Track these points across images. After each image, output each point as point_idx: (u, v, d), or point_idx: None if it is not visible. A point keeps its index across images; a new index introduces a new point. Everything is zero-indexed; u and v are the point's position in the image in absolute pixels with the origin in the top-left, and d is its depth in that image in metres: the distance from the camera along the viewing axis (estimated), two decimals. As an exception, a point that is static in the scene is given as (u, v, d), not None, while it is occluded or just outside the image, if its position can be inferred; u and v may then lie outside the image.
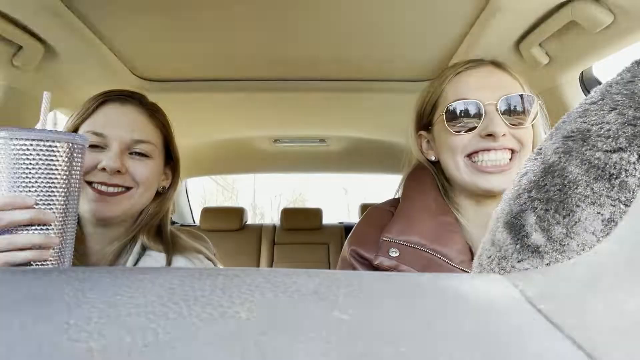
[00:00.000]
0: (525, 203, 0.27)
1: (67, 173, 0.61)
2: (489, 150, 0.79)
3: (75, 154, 0.62)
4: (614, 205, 0.24)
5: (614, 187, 0.24)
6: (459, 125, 0.82)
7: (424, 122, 0.92)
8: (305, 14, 1.09)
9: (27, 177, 0.58)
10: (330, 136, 2.33)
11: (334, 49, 1.30)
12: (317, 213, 3.04)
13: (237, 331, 0.16)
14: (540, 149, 0.29)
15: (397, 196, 0.94)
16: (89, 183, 0.82)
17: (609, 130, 0.25)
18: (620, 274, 0.17)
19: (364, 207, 2.91)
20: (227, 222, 2.95)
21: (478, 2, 1.02)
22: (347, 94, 1.62)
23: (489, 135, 0.79)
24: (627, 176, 0.24)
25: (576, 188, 0.25)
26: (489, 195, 0.83)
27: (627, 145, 0.24)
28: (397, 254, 0.79)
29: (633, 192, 0.23)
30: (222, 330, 0.16)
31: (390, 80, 1.54)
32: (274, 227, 3.07)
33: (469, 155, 0.81)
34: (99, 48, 1.20)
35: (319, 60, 1.39)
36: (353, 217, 3.28)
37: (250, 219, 3.25)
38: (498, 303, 0.19)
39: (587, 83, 1.22)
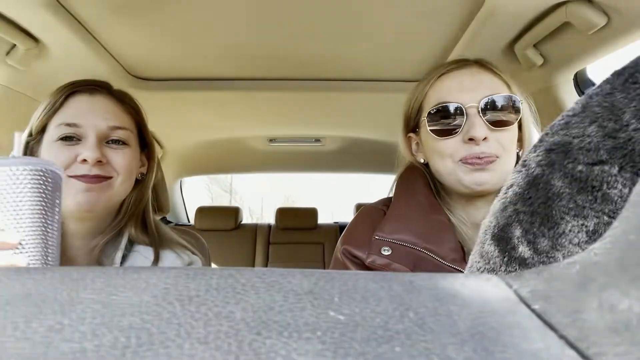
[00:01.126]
0: (511, 216, 0.27)
1: (39, 197, 0.59)
2: (473, 158, 0.78)
3: (48, 180, 0.60)
4: (597, 217, 0.24)
5: (596, 199, 0.24)
6: (441, 130, 0.82)
7: (412, 125, 0.92)
8: (300, 13, 1.09)
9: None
10: (326, 136, 2.33)
11: (329, 48, 1.30)
12: (312, 212, 3.04)
13: (232, 331, 0.16)
14: (525, 161, 0.29)
15: (390, 195, 0.94)
16: (71, 177, 0.81)
17: (590, 143, 0.25)
18: (614, 274, 0.17)
19: (359, 207, 2.91)
20: (222, 222, 2.94)
21: (473, 3, 1.02)
22: (343, 93, 1.62)
23: (471, 139, 0.78)
24: (609, 188, 0.24)
25: (560, 201, 0.25)
26: (476, 194, 0.83)
27: (607, 157, 0.24)
28: (389, 252, 0.79)
29: (615, 204, 0.24)
30: (217, 330, 0.16)
31: (386, 80, 1.55)
32: (269, 226, 3.06)
33: (459, 161, 0.80)
34: (94, 46, 1.20)
35: (315, 60, 1.39)
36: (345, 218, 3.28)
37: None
38: (492, 303, 0.19)
39: (582, 84, 1.23)
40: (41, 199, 0.59)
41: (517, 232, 0.27)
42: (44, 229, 0.59)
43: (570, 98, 1.24)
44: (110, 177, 0.84)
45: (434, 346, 0.15)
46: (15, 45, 1.09)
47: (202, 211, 2.98)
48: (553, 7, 0.98)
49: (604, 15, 0.92)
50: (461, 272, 0.75)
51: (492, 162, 0.78)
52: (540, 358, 0.15)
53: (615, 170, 0.24)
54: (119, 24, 1.13)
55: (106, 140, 0.85)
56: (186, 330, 0.16)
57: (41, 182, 0.59)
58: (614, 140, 0.24)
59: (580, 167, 0.25)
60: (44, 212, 0.59)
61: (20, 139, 0.65)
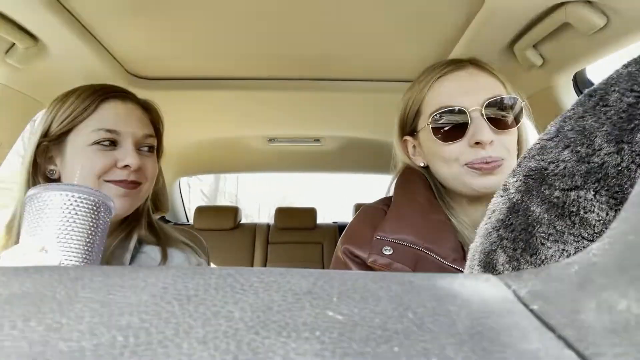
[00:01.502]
0: (495, 242, 0.28)
1: (94, 225, 0.63)
2: (480, 162, 0.78)
3: (102, 210, 0.64)
4: (577, 242, 0.24)
5: (575, 224, 0.24)
6: (446, 135, 0.81)
7: (408, 129, 0.91)
8: (300, 13, 1.09)
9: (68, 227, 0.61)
10: (325, 136, 2.33)
11: (329, 48, 1.30)
12: (311, 212, 3.04)
13: (230, 331, 0.16)
14: (506, 185, 0.29)
15: (389, 194, 0.94)
16: (107, 182, 0.83)
17: (564, 168, 0.25)
18: (613, 275, 0.17)
19: (358, 207, 2.91)
20: (221, 221, 2.94)
21: (473, 3, 1.02)
22: (342, 93, 1.62)
23: (477, 143, 0.78)
24: (586, 213, 0.24)
25: (540, 227, 0.25)
26: (478, 196, 0.82)
27: (582, 183, 0.25)
28: (390, 252, 0.79)
29: (594, 228, 0.24)
30: (215, 329, 0.16)
31: (386, 80, 1.55)
32: (268, 226, 3.06)
33: (465, 164, 0.80)
34: (93, 45, 1.20)
35: (314, 60, 1.39)
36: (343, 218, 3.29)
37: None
38: (491, 303, 0.19)
39: (581, 84, 1.23)
40: (88, 227, 0.62)
41: (502, 258, 0.27)
42: (86, 255, 0.62)
43: (569, 99, 1.24)
44: (141, 183, 0.88)
45: (432, 346, 0.15)
46: (14, 44, 1.08)
47: (201, 211, 2.98)
48: (552, 7, 0.98)
49: (603, 16, 0.92)
50: (462, 272, 0.75)
51: (500, 165, 0.78)
52: (539, 358, 0.15)
53: (590, 195, 0.24)
54: (118, 22, 1.13)
55: (140, 147, 0.89)
56: (184, 330, 0.16)
57: (92, 212, 0.62)
58: (588, 165, 0.24)
59: (556, 193, 0.25)
60: (88, 240, 0.62)
61: (80, 171, 0.70)
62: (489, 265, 0.27)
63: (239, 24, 1.14)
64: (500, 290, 0.20)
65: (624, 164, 0.24)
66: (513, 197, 0.27)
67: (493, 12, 1.01)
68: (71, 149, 0.85)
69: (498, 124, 0.79)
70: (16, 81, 1.22)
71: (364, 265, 0.82)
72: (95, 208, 0.62)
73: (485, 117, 0.79)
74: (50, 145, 0.86)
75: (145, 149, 0.90)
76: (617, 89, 0.25)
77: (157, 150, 0.99)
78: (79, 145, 0.84)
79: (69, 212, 0.60)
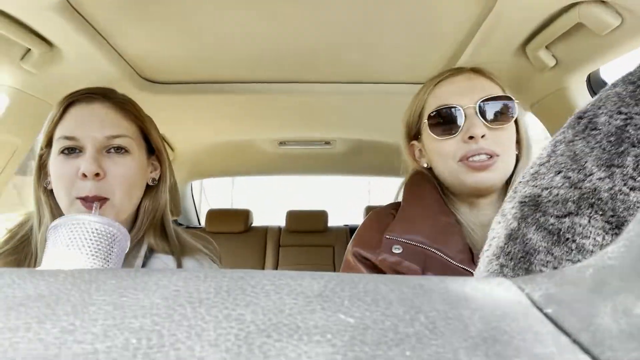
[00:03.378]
0: (496, 270, 0.27)
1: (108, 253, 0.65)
2: (473, 155, 0.82)
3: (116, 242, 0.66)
4: None
5: (572, 251, 0.24)
6: (442, 131, 0.85)
7: (413, 133, 0.96)
8: (311, 17, 1.10)
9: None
10: (336, 138, 2.33)
11: (339, 52, 1.30)
12: (322, 215, 3.03)
13: (242, 333, 0.16)
14: (504, 210, 0.29)
15: (397, 199, 0.97)
16: (78, 198, 0.81)
17: (557, 195, 0.25)
18: (628, 277, 0.17)
19: (369, 210, 2.90)
20: (232, 224, 2.95)
21: (484, 5, 1.02)
22: (353, 96, 1.63)
23: (470, 137, 0.81)
24: (582, 239, 0.24)
25: (537, 254, 0.25)
26: (478, 195, 0.86)
27: (575, 209, 0.24)
28: (400, 251, 0.81)
29: (592, 254, 0.24)
30: (227, 332, 0.16)
31: (396, 83, 1.54)
32: (279, 229, 3.07)
33: (460, 160, 0.83)
34: (106, 50, 1.21)
35: (325, 63, 1.39)
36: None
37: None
38: (504, 306, 0.19)
39: (595, 85, 1.22)
40: (102, 259, 0.63)
41: None
42: None
43: (583, 100, 1.22)
44: (107, 199, 0.82)
45: (445, 350, 0.15)
46: (29, 49, 1.10)
47: (212, 214, 2.99)
48: (565, 8, 0.97)
49: (617, 15, 0.91)
50: (470, 272, 0.77)
51: (491, 158, 0.81)
52: (553, 363, 0.15)
53: (585, 220, 0.24)
54: (132, 28, 1.14)
55: (106, 150, 0.84)
56: (197, 333, 0.16)
57: (103, 240, 0.63)
58: (580, 191, 0.24)
59: (551, 220, 0.25)
60: (99, 265, 0.63)
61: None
62: None
63: (250, 28, 1.15)
64: (513, 293, 0.20)
65: (617, 188, 0.23)
66: (510, 224, 0.27)
67: (504, 13, 1.00)
68: (50, 161, 0.85)
69: (492, 120, 0.83)
70: (31, 86, 1.24)
71: (374, 268, 0.85)
72: (110, 240, 0.64)
73: (478, 113, 0.83)
74: (45, 158, 0.87)
75: (112, 150, 0.84)
76: (605, 111, 0.25)
77: (152, 148, 0.94)
78: (53, 156, 0.84)
79: (84, 245, 0.62)
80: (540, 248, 0.25)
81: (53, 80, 1.27)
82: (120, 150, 0.85)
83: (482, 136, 0.81)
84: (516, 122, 0.87)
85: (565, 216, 0.25)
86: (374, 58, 1.36)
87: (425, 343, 0.16)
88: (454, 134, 0.84)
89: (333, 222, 3.08)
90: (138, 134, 0.91)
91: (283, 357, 0.15)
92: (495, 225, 0.29)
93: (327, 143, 2.39)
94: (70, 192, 0.81)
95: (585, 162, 0.24)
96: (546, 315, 0.18)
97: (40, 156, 0.88)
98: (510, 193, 0.29)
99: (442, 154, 0.86)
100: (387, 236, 0.83)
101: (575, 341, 0.16)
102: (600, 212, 0.24)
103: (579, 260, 0.24)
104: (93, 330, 0.16)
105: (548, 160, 0.26)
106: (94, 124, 0.84)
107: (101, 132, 0.84)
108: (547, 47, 1.13)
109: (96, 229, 0.63)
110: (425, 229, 0.83)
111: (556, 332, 0.16)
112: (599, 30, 0.95)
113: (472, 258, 0.81)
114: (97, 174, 0.80)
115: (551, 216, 0.25)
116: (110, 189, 0.83)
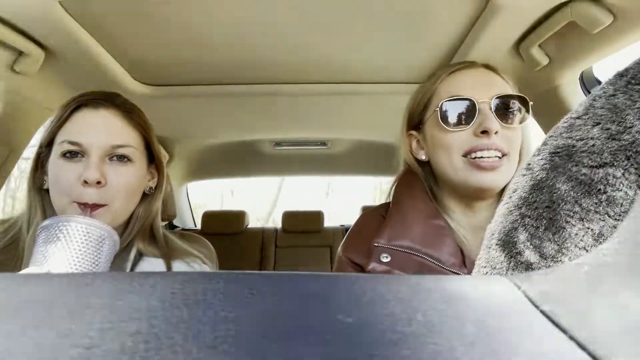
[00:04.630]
0: (516, 220, 0.27)
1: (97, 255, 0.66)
2: (482, 150, 0.80)
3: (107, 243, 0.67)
4: (603, 220, 0.24)
5: (601, 202, 0.24)
6: (453, 122, 0.83)
7: (415, 122, 0.92)
8: (306, 18, 1.10)
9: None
10: (332, 139, 2.33)
11: (334, 52, 1.30)
12: (317, 216, 3.04)
13: (239, 335, 0.16)
14: (530, 164, 0.29)
15: (388, 200, 0.94)
16: (76, 203, 0.81)
17: (593, 145, 0.25)
18: (624, 274, 0.17)
19: (365, 209, 2.91)
20: (228, 226, 2.94)
21: (477, 3, 1.02)
22: (348, 96, 1.63)
23: (483, 132, 0.79)
24: (613, 191, 0.24)
25: (565, 204, 0.25)
26: (478, 196, 0.83)
27: (611, 160, 0.24)
28: (388, 260, 0.79)
29: (621, 206, 0.24)
30: (224, 334, 0.16)
31: (391, 82, 1.55)
32: (276, 230, 3.07)
33: (465, 154, 0.81)
34: (100, 53, 1.21)
35: (320, 63, 1.39)
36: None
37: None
38: (500, 304, 0.19)
39: (588, 83, 1.22)
40: (91, 260, 0.64)
41: (523, 236, 0.27)
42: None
43: (576, 98, 1.23)
44: (106, 205, 0.82)
45: (442, 349, 0.15)
46: (22, 52, 1.10)
47: (208, 215, 2.99)
48: (558, 6, 0.97)
49: (609, 13, 0.92)
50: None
51: (501, 159, 0.79)
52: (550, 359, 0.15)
53: (619, 172, 0.24)
54: (125, 30, 1.13)
55: (109, 157, 0.84)
56: (193, 335, 0.16)
57: (96, 244, 0.64)
58: (618, 143, 0.24)
59: (584, 170, 0.25)
60: (88, 265, 0.64)
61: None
62: (508, 244, 0.27)
63: (245, 30, 1.15)
64: (510, 291, 0.20)
65: None
66: (537, 175, 0.27)
67: (498, 11, 1.00)
68: (50, 162, 0.85)
69: (505, 118, 0.81)
70: (26, 89, 1.23)
71: (364, 273, 0.82)
72: (100, 241, 0.64)
73: (493, 110, 0.81)
74: (43, 157, 0.87)
75: (115, 158, 0.85)
76: None
77: (153, 156, 0.95)
78: (53, 157, 0.84)
79: (73, 244, 0.62)
80: (569, 198, 0.25)
81: (48, 84, 1.26)
82: (123, 159, 0.85)
83: (495, 132, 0.79)
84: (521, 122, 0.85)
85: (599, 167, 0.25)
86: (368, 58, 1.36)
87: (423, 342, 0.16)
88: (465, 127, 0.81)
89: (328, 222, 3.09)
90: (141, 143, 0.91)
91: (281, 358, 0.15)
92: (518, 179, 0.29)
93: (323, 144, 2.39)
94: (70, 196, 0.81)
95: (627, 114, 0.24)
96: (542, 312, 0.18)
97: (39, 155, 0.87)
98: (538, 147, 0.29)
99: (448, 146, 0.82)
100: (375, 244, 0.81)
101: (571, 338, 0.16)
102: (636, 166, 0.23)
103: (606, 213, 0.24)
104: (89, 333, 0.16)
105: (586, 113, 0.26)
106: (99, 131, 0.84)
107: (106, 140, 0.83)
108: (540, 46, 1.14)
109: (86, 231, 0.63)
110: (414, 232, 0.81)
111: (552, 329, 0.16)
112: (591, 28, 0.96)
113: (463, 261, 0.79)
114: (98, 182, 0.80)
115: (584, 166, 0.25)
116: (109, 197, 0.83)
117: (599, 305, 0.16)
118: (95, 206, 0.81)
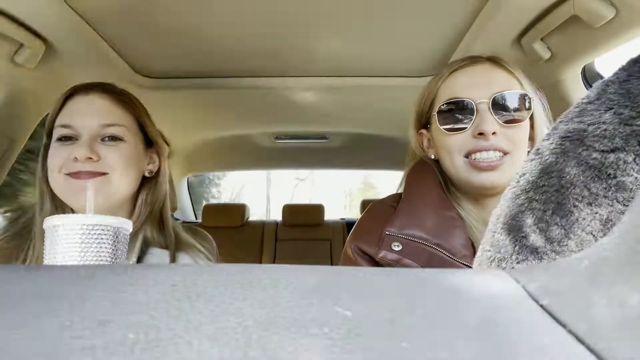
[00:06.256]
0: (523, 204, 0.27)
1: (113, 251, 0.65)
2: (480, 151, 0.79)
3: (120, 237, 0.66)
4: (611, 205, 0.24)
5: (611, 187, 0.24)
6: (451, 125, 0.82)
7: (423, 121, 0.92)
8: (307, 10, 1.09)
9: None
10: (332, 132, 2.33)
11: (334, 45, 1.30)
12: (318, 209, 3.04)
13: (240, 327, 0.16)
14: (539, 149, 0.29)
15: (399, 191, 0.93)
16: (68, 175, 0.84)
17: (605, 130, 0.25)
18: (623, 268, 0.17)
19: (365, 204, 2.91)
20: (228, 219, 2.94)
21: (479, -3, 1.01)
22: (348, 90, 1.62)
23: (480, 134, 0.78)
24: (623, 176, 0.24)
25: (573, 189, 0.25)
26: (484, 194, 0.83)
27: (623, 145, 0.24)
28: (399, 248, 0.79)
29: (631, 192, 0.23)
30: (225, 326, 0.16)
31: (392, 76, 1.54)
32: (276, 223, 3.07)
33: (466, 155, 0.81)
34: (100, 45, 1.20)
35: (320, 56, 1.39)
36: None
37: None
38: (500, 298, 0.19)
39: (590, 78, 1.22)
40: (108, 254, 0.63)
41: (529, 220, 0.26)
42: None
43: (578, 92, 1.23)
44: (106, 173, 0.85)
45: (441, 341, 0.15)
46: (22, 44, 1.09)
47: (208, 208, 2.99)
48: (560, 0, 0.97)
49: (612, 7, 0.91)
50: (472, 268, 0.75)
51: (501, 158, 0.78)
52: (549, 353, 0.15)
53: (630, 157, 0.24)
54: (126, 23, 1.13)
55: (101, 138, 0.87)
56: (194, 327, 0.16)
57: (111, 239, 0.63)
58: (630, 128, 0.24)
59: (594, 155, 0.25)
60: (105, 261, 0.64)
61: (92, 196, 0.72)
62: (514, 228, 0.27)
63: (245, 23, 1.14)
64: (509, 285, 0.20)
65: None
66: (547, 159, 0.27)
67: (500, 5, 1.00)
68: (50, 149, 0.89)
69: (505, 117, 0.80)
70: (27, 81, 1.23)
71: (373, 262, 0.82)
72: (114, 235, 0.63)
73: (491, 109, 0.79)
74: (47, 145, 0.90)
75: (107, 139, 0.88)
76: None
77: (149, 139, 0.97)
78: (52, 144, 0.88)
79: (89, 242, 0.62)
80: (578, 182, 0.25)
81: (49, 76, 1.26)
82: (115, 139, 0.88)
83: (493, 133, 0.78)
84: (532, 117, 0.83)
85: (611, 151, 0.24)
86: (369, 51, 1.35)
87: (422, 335, 0.16)
88: (463, 129, 0.81)
89: (328, 215, 3.09)
90: (134, 124, 0.93)
91: (280, 350, 0.15)
92: (527, 163, 0.29)
93: (323, 137, 2.39)
94: (61, 170, 0.84)
95: None
96: (542, 306, 0.18)
97: (45, 147, 0.91)
98: (548, 132, 0.29)
99: (449, 148, 0.83)
100: (387, 232, 0.81)
101: (570, 332, 0.16)
102: None
103: (615, 198, 0.24)
104: (90, 325, 0.16)
105: (598, 98, 0.26)
106: (89, 113, 0.88)
107: (96, 120, 0.87)
108: (542, 40, 1.13)
109: (98, 233, 0.62)
110: (426, 223, 0.81)
111: (552, 323, 0.16)
112: (593, 22, 0.95)
113: (474, 253, 0.78)
114: (90, 158, 0.84)
115: (595, 151, 0.25)
116: (107, 167, 0.86)
117: (598, 300, 0.16)
118: (90, 174, 0.84)
